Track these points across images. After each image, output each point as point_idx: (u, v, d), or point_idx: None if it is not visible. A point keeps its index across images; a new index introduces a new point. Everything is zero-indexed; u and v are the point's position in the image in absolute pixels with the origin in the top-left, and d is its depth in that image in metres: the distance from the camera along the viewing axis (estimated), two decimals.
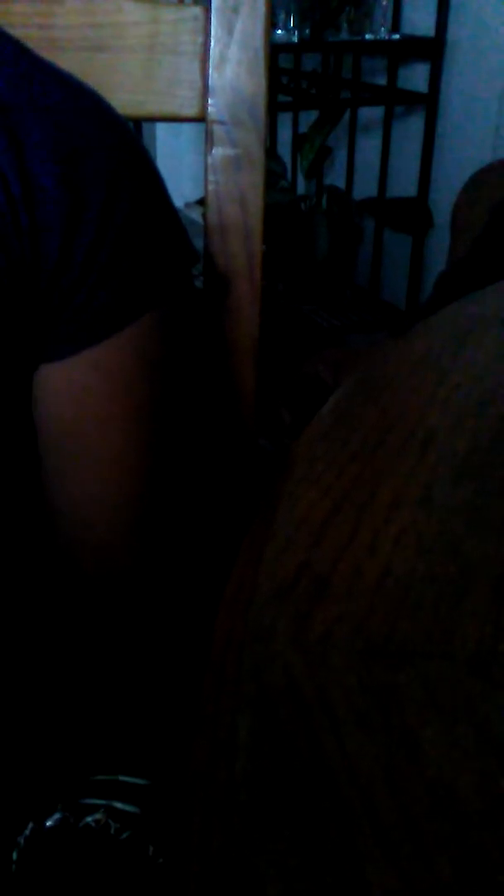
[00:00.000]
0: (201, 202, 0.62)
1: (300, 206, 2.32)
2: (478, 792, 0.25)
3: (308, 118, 2.37)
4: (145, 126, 2.70)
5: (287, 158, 2.51)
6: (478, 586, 0.33)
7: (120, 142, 0.44)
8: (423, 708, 0.28)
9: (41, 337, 0.44)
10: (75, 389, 0.46)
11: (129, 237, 0.43)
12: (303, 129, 2.41)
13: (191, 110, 0.58)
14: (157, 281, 0.46)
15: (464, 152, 2.06)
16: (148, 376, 0.47)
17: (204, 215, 0.60)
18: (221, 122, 0.57)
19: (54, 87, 0.42)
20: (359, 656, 0.30)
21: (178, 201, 2.58)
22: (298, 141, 2.43)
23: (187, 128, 2.69)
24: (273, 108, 2.60)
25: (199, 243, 0.58)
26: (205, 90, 0.57)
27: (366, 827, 0.25)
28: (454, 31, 2.02)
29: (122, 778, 0.44)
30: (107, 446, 0.48)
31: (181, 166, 2.82)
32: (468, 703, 0.28)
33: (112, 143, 0.43)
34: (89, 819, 0.40)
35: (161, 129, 2.97)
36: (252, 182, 0.59)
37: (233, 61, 0.56)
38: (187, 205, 2.53)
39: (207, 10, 0.56)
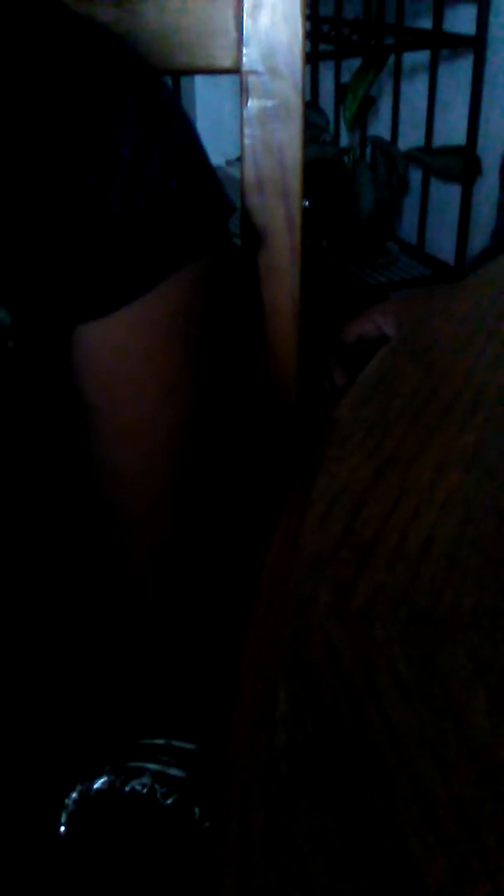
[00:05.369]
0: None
1: (344, 159, 2.26)
2: None
3: (351, 68, 2.30)
4: (184, 81, 2.65)
5: (330, 111, 2.44)
6: None
7: (151, 92, 0.43)
8: (469, 679, 0.27)
9: (80, 294, 0.44)
10: (113, 348, 0.45)
11: (164, 188, 0.42)
12: (346, 79, 2.34)
13: (225, 61, 0.56)
14: (195, 233, 0.45)
15: None
16: (185, 332, 0.47)
17: (240, 171, 0.58)
18: (256, 73, 0.55)
19: (85, 38, 0.41)
20: (403, 626, 0.29)
21: (220, 158, 2.53)
22: (341, 91, 2.36)
23: (227, 82, 2.63)
24: (315, 58, 2.52)
25: (238, 202, 0.56)
26: (239, 39, 0.55)
27: (410, 801, 0.24)
28: None
29: (170, 742, 0.44)
30: (145, 405, 0.47)
31: (221, 122, 2.77)
32: None
33: (143, 94, 0.42)
34: (136, 783, 0.40)
35: (200, 85, 2.91)
36: (290, 135, 0.57)
37: (267, 8, 0.54)
38: (228, 162, 2.49)
39: None
